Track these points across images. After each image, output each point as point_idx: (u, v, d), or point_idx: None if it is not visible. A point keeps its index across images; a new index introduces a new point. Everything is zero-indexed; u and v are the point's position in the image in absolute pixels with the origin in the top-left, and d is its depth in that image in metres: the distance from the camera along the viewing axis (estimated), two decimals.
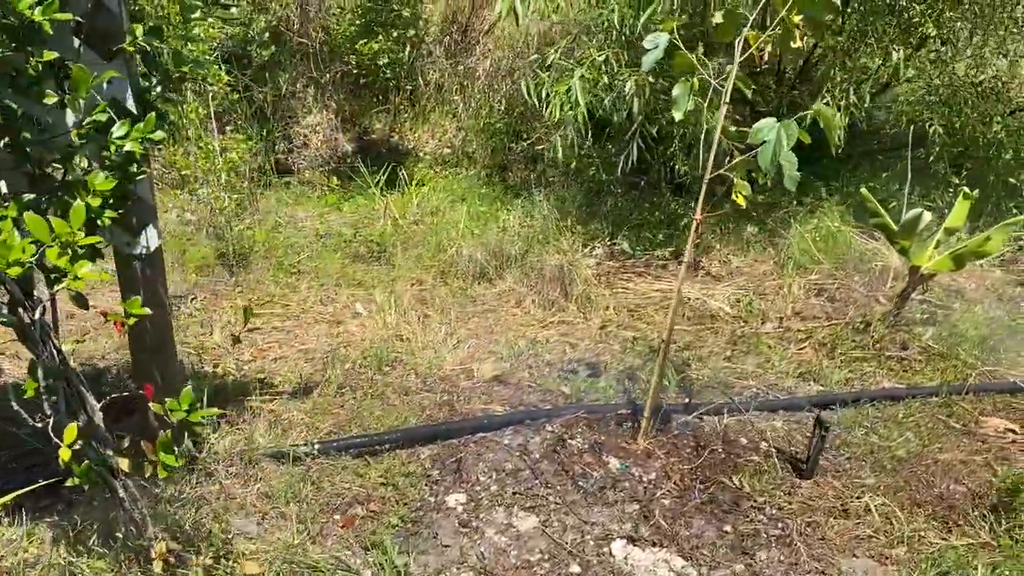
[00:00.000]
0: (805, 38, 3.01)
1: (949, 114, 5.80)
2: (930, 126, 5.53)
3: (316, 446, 3.47)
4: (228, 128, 7.37)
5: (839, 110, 5.30)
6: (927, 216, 4.35)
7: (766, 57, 2.95)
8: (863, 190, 4.60)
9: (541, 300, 5.26)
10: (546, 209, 6.39)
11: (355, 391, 4.08)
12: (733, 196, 3.14)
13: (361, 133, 8.28)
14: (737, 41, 2.95)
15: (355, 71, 7.89)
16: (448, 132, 8.31)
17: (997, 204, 6.26)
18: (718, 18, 3.09)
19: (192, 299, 5.08)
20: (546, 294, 5.28)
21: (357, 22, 6.95)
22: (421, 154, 8.08)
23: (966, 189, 4.58)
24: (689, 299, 5.35)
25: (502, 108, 7.70)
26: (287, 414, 3.82)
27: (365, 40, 6.77)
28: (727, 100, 2.96)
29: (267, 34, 6.50)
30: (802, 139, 2.96)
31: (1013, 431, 3.96)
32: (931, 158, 5.99)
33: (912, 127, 5.63)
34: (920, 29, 5.59)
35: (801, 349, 4.78)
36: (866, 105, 5.41)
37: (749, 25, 3.00)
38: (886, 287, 5.48)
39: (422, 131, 8.38)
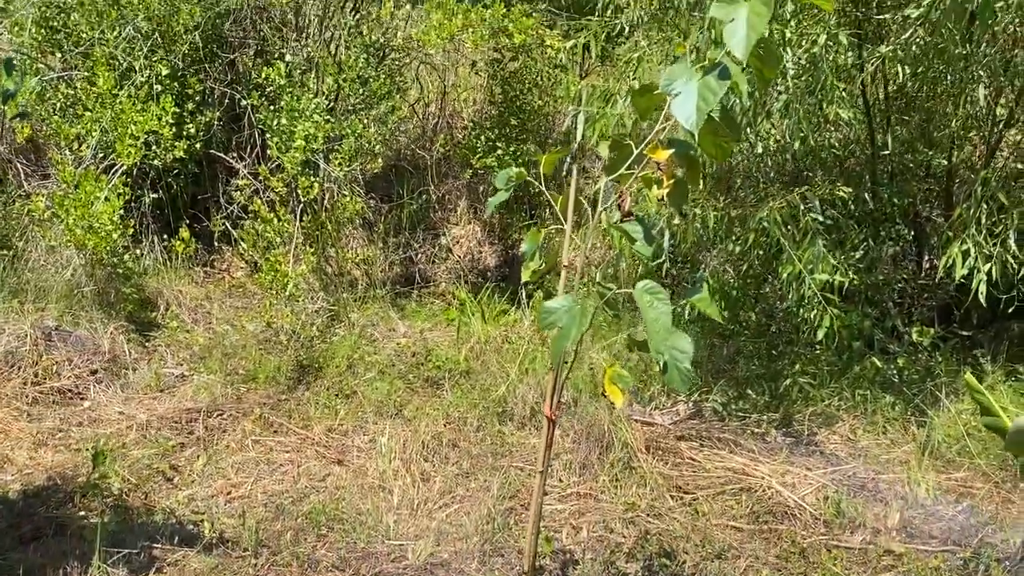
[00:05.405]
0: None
1: None
2: None
3: None
4: (373, 234, 7.43)
5: (987, 259, 3.95)
6: None
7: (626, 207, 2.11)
8: (967, 376, 3.29)
9: (576, 462, 4.43)
10: None
11: (275, 554, 3.58)
12: (607, 391, 2.27)
13: (507, 247, 7.94)
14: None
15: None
16: (600, 247, 7.71)
17: None
18: (604, 150, 2.31)
19: (218, 414, 4.93)
20: (582, 456, 4.44)
21: (486, 134, 6.65)
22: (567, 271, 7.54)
23: None
24: (763, 486, 4.21)
25: None
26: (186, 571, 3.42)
27: (480, 155, 6.45)
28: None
29: (377, 146, 6.41)
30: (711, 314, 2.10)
31: None
32: None
33: None
34: None
35: None
36: None
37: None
38: None
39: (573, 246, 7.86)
